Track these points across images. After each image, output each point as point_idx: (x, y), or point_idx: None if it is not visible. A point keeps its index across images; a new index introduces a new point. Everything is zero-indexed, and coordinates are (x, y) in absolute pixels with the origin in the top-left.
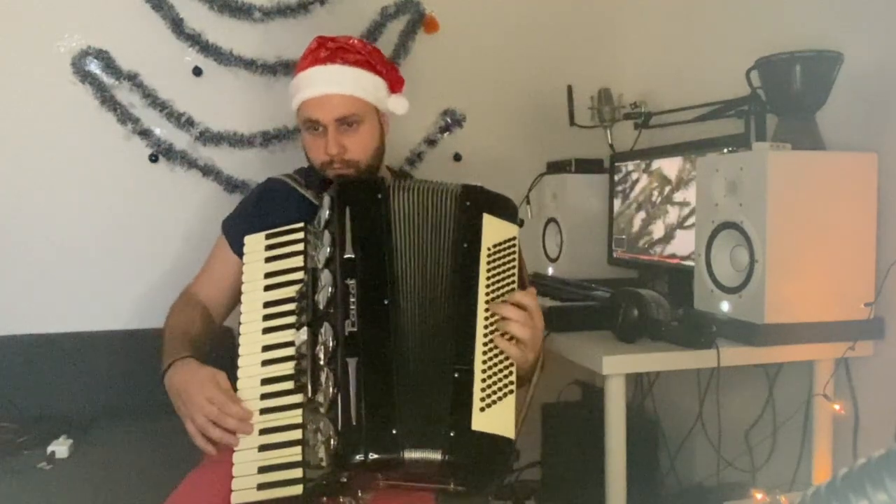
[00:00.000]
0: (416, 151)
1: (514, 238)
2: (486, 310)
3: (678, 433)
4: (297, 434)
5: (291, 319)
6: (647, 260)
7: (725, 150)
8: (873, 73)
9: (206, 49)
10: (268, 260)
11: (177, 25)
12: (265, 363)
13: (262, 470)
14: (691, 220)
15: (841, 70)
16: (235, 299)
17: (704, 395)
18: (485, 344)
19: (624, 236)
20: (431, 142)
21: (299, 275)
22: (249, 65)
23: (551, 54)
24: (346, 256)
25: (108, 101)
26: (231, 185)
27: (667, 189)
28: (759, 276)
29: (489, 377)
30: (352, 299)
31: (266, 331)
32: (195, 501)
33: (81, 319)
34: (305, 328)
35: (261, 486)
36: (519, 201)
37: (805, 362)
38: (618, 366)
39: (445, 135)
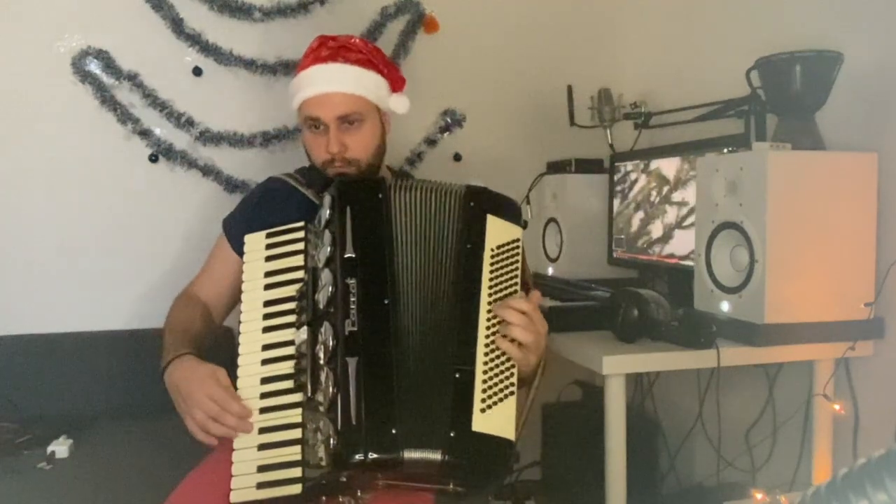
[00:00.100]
0: (416, 151)
1: (517, 240)
2: (489, 311)
3: (678, 433)
4: (296, 433)
5: (291, 318)
6: (647, 260)
7: (725, 150)
8: (873, 73)
9: (206, 49)
10: (268, 259)
11: (177, 25)
12: (265, 362)
13: (262, 469)
14: (690, 220)
15: (841, 70)
16: (236, 298)
17: (704, 395)
18: (486, 345)
19: (623, 236)
20: (431, 142)
21: (300, 274)
22: (249, 65)
23: (551, 54)
24: (346, 256)
25: (108, 101)
26: (231, 185)
27: (665, 189)
28: (759, 276)
29: (490, 378)
30: (352, 299)
31: (266, 330)
32: (195, 501)
33: (81, 319)
34: (305, 327)
35: (260, 485)
36: (519, 201)
37: (805, 362)
38: (618, 366)
39: (445, 135)
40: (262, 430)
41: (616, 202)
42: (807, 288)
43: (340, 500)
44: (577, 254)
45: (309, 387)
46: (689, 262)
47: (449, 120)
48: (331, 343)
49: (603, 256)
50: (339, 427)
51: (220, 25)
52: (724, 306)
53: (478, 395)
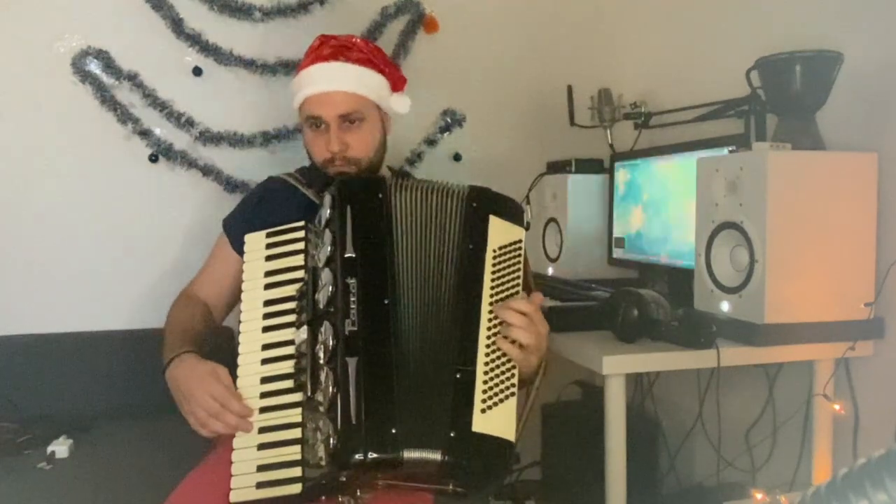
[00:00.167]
0: (416, 151)
1: (520, 241)
2: (490, 312)
3: (678, 433)
4: (296, 433)
5: (291, 318)
6: (647, 260)
7: (725, 150)
8: (873, 73)
9: (206, 49)
10: (268, 258)
11: (177, 25)
12: (265, 362)
13: (261, 468)
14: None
15: (841, 70)
16: (236, 298)
17: (704, 395)
18: (487, 346)
19: (623, 236)
20: (431, 142)
21: (300, 273)
22: (249, 65)
23: (551, 54)
24: (346, 255)
25: (108, 101)
26: (231, 184)
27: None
28: (759, 276)
29: (491, 379)
30: (352, 298)
31: (266, 329)
32: (195, 501)
33: (81, 319)
34: (305, 327)
35: (260, 485)
36: (519, 201)
37: (805, 362)
38: (618, 366)
39: (445, 135)
40: (262, 430)
41: (616, 202)
42: (807, 288)
43: (340, 499)
44: (577, 254)
45: (309, 386)
46: (690, 263)
47: (449, 120)
48: (331, 343)
49: (603, 256)
50: (338, 427)
51: (220, 25)
52: (724, 306)
53: (478, 396)
